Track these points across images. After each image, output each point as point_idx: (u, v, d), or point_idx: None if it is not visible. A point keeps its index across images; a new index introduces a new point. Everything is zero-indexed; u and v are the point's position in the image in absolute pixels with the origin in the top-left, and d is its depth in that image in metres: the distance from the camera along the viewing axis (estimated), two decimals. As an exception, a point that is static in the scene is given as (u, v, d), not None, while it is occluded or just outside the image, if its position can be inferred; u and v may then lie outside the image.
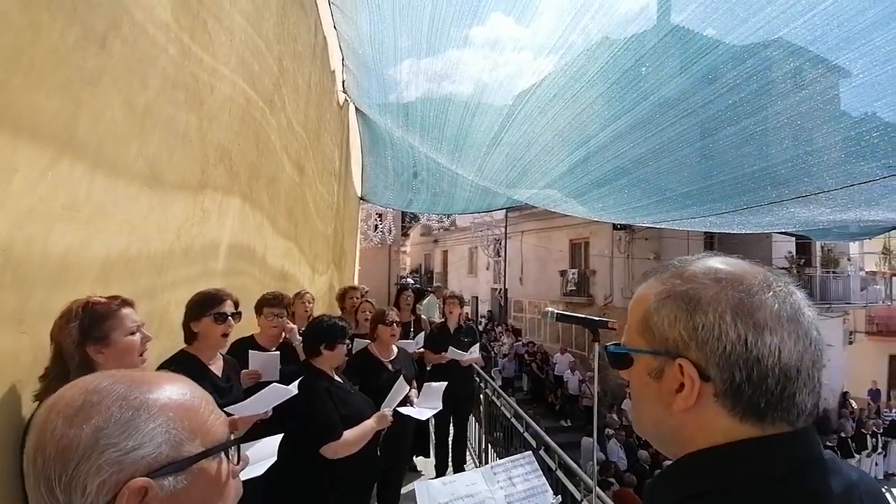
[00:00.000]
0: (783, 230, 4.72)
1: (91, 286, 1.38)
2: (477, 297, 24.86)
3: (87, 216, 1.35)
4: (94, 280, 1.40)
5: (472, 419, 5.47)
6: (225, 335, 2.05)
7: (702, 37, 2.43)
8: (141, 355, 1.38)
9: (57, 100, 1.21)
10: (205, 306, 2.00)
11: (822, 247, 16.44)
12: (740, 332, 0.57)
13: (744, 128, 2.63)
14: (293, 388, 2.10)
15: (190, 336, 2.02)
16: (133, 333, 1.35)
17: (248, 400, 2.05)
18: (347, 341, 2.56)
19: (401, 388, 2.69)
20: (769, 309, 0.58)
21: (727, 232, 4.37)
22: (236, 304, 2.08)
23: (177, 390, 0.60)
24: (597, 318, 1.93)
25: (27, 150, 1.13)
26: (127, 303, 1.37)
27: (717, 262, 0.64)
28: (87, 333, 1.28)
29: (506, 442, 5.04)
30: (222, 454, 0.61)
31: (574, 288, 17.61)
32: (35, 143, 1.15)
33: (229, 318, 2.04)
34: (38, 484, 0.54)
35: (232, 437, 0.63)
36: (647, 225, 5.42)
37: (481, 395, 5.46)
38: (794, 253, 15.80)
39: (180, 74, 1.79)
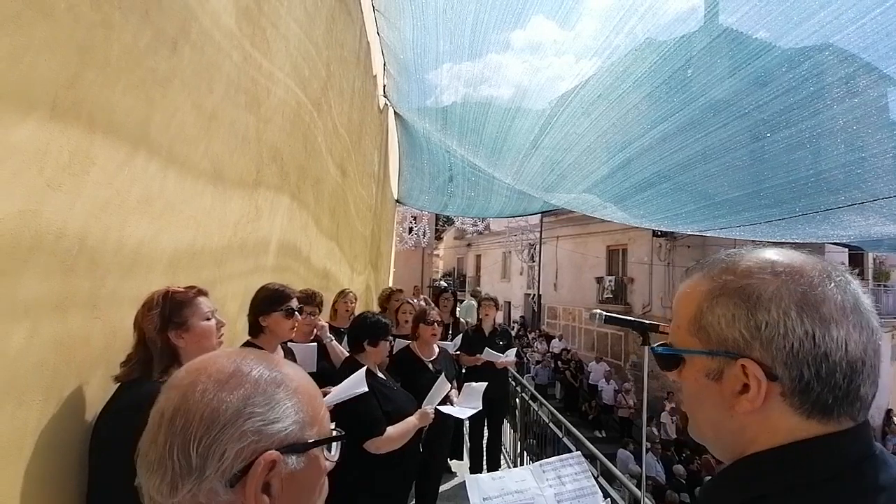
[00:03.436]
0: (837, 241, 4.52)
1: (160, 277, 1.47)
2: (510, 303, 24.70)
3: (160, 210, 1.44)
4: (163, 271, 1.49)
5: (506, 424, 5.44)
6: (293, 329, 2.16)
7: (753, 39, 2.39)
8: (219, 339, 1.46)
9: (131, 98, 1.28)
10: (274, 302, 2.09)
11: (874, 259, 15.64)
12: (807, 327, 0.55)
13: (799, 131, 2.56)
14: (363, 386, 2.23)
15: (256, 329, 2.12)
16: (209, 319, 1.44)
17: (341, 385, 2.19)
18: (390, 338, 2.61)
19: (442, 386, 2.72)
20: (833, 301, 0.56)
21: (780, 241, 4.21)
22: (299, 300, 2.18)
23: (304, 377, 0.64)
24: (648, 322, 1.90)
25: (103, 144, 1.19)
26: (202, 292, 1.46)
27: (772, 254, 0.61)
28: (168, 320, 1.37)
29: (539, 448, 4.99)
30: (324, 447, 0.63)
31: (611, 295, 17.28)
32: (110, 138, 1.22)
33: (296, 312, 2.14)
34: (169, 443, 0.54)
35: (335, 433, 0.64)
36: (693, 232, 5.28)
37: (517, 399, 5.43)
38: (848, 264, 15.06)
39: (242, 79, 1.88)
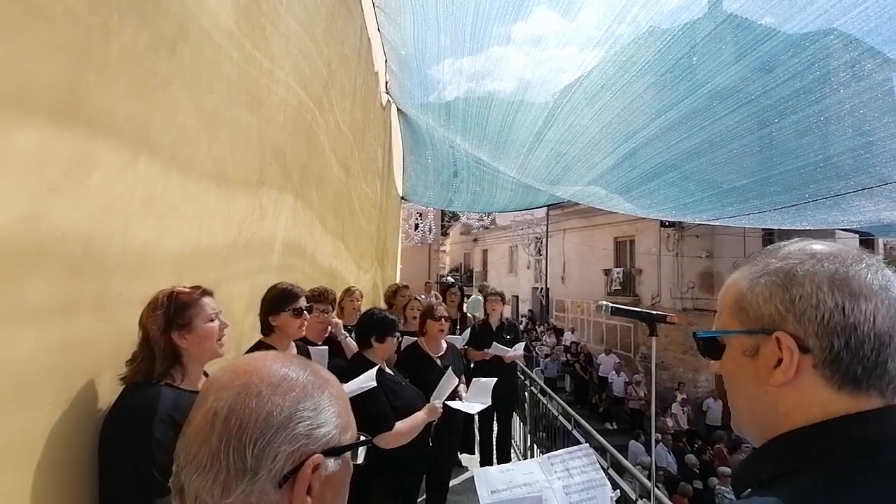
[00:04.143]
0: (847, 227, 4.47)
1: (166, 278, 1.47)
2: (517, 297, 24.67)
3: (163, 212, 1.44)
4: (168, 272, 1.49)
5: (516, 418, 5.45)
6: (301, 328, 2.18)
7: (758, 25, 2.37)
8: (219, 340, 1.47)
9: (132, 101, 1.27)
10: (283, 302, 2.13)
11: (885, 244, 15.51)
12: (837, 300, 0.59)
13: (806, 116, 2.53)
14: (373, 381, 2.26)
15: (267, 328, 2.16)
16: (212, 320, 1.44)
17: (352, 382, 2.23)
18: (398, 335, 2.61)
19: (449, 380, 2.72)
20: (862, 278, 0.60)
21: (789, 228, 4.18)
22: (308, 299, 2.20)
23: (339, 384, 0.66)
24: (655, 312, 1.88)
25: (105, 147, 1.18)
26: (207, 292, 1.46)
27: (811, 242, 0.66)
28: (172, 320, 1.37)
29: (550, 441, 4.99)
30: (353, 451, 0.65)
31: (619, 287, 17.20)
32: (112, 140, 1.21)
33: (305, 312, 2.17)
34: (224, 443, 0.54)
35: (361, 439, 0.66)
36: (701, 222, 5.24)
37: (526, 393, 5.43)
38: (858, 250, 14.94)
39: (243, 78, 1.87)
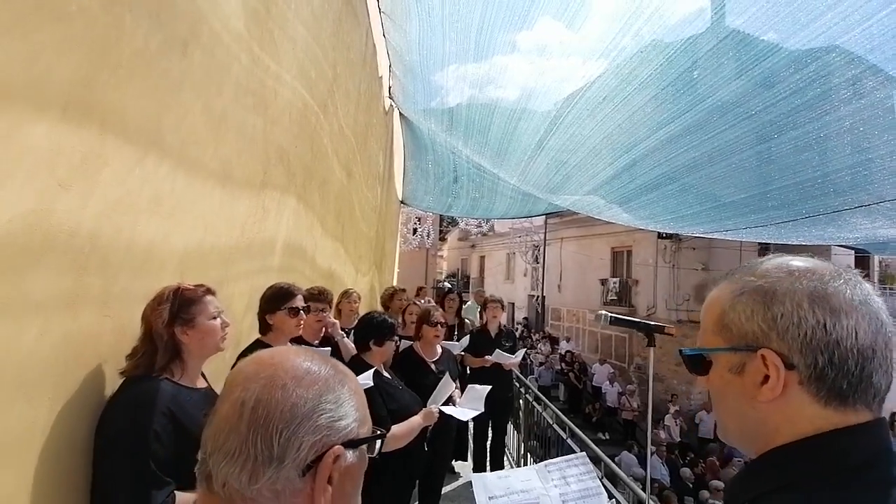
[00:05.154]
0: (843, 243, 4.50)
1: (170, 276, 1.48)
2: (514, 304, 24.67)
3: (170, 210, 1.45)
4: (173, 270, 1.51)
5: (510, 426, 5.44)
6: (298, 326, 2.19)
7: (760, 41, 2.39)
8: (222, 338, 1.48)
9: (143, 100, 1.29)
10: (279, 300, 2.15)
11: (880, 262, 15.59)
12: (819, 317, 0.60)
13: (806, 132, 2.56)
14: (370, 381, 2.26)
15: (265, 327, 2.17)
16: (215, 318, 1.47)
17: None
18: (396, 338, 2.61)
19: (446, 385, 2.72)
20: (842, 294, 0.61)
21: (785, 243, 4.21)
22: (305, 299, 2.20)
23: (356, 380, 0.68)
24: (653, 323, 1.89)
25: (115, 145, 1.20)
26: (210, 291, 1.49)
27: (788, 258, 0.67)
28: (176, 315, 1.40)
29: (543, 450, 4.99)
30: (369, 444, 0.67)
31: (615, 297, 17.23)
32: (122, 139, 1.23)
33: (301, 311, 2.18)
34: (252, 432, 0.57)
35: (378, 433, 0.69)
36: (698, 234, 5.27)
37: (520, 401, 5.43)
38: (854, 267, 15.02)
39: (250, 81, 1.89)
